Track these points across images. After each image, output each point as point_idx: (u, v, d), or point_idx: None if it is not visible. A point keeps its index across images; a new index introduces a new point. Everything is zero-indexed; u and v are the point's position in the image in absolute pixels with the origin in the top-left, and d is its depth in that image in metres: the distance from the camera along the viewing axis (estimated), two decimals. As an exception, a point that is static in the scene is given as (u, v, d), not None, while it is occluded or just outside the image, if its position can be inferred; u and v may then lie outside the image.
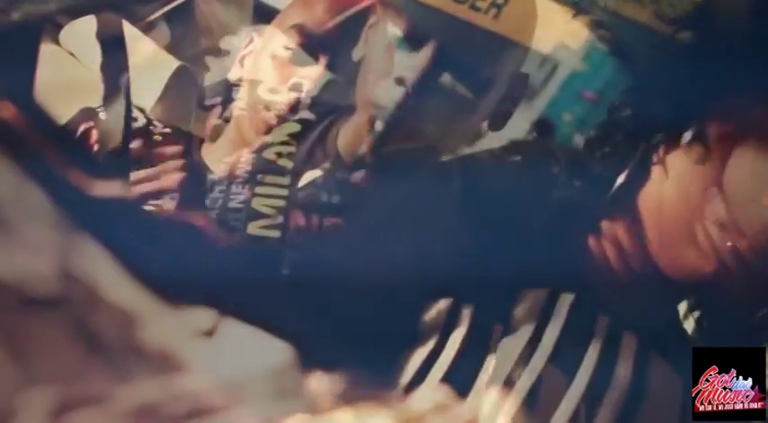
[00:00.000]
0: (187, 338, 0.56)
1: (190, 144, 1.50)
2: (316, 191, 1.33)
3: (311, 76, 1.31)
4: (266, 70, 1.33)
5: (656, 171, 0.94)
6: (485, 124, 1.30)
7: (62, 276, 0.51)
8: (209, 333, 0.58)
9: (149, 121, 1.51)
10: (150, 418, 0.48)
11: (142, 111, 1.79)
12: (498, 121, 1.36)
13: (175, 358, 0.55)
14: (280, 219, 1.31)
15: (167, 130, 1.50)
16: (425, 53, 1.26)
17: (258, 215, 1.31)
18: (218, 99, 1.56)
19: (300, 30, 1.33)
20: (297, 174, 1.35)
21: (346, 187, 1.21)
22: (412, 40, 1.28)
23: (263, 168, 1.35)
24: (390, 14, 1.24)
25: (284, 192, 1.33)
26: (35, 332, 0.49)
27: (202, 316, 0.58)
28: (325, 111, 1.46)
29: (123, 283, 0.55)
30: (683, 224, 0.88)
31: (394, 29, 1.30)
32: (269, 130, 1.24)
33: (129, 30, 2.15)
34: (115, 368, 0.52)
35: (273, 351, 0.58)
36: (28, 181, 0.55)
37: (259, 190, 1.33)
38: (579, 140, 1.07)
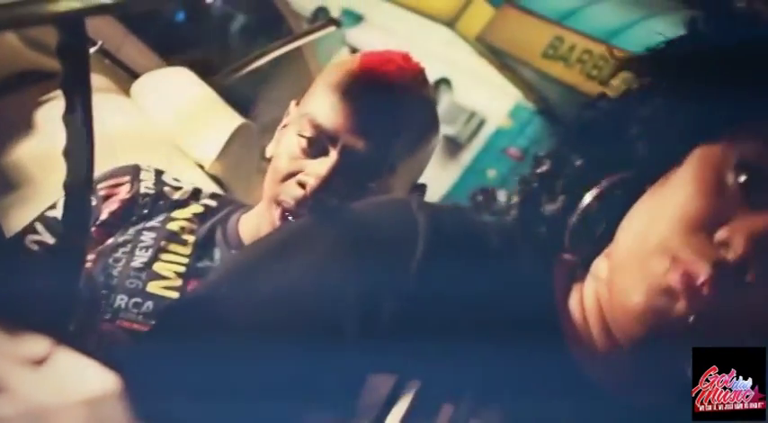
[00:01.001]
0: (15, 364, 0.54)
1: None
2: (213, 264, 1.35)
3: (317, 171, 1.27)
4: (291, 143, 1.31)
5: None
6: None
7: None
8: (41, 361, 0.56)
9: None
10: None
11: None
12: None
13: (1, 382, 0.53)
14: (179, 282, 1.32)
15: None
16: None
17: (159, 277, 1.32)
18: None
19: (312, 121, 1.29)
20: (197, 247, 1.36)
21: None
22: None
23: (166, 237, 1.37)
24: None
25: (185, 260, 1.34)
26: None
27: (36, 343, 0.56)
28: (224, 203, 1.50)
29: None
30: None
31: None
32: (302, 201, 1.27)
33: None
34: None
35: (98, 381, 0.57)
36: None
37: (162, 256, 1.34)
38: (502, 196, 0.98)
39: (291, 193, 1.26)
